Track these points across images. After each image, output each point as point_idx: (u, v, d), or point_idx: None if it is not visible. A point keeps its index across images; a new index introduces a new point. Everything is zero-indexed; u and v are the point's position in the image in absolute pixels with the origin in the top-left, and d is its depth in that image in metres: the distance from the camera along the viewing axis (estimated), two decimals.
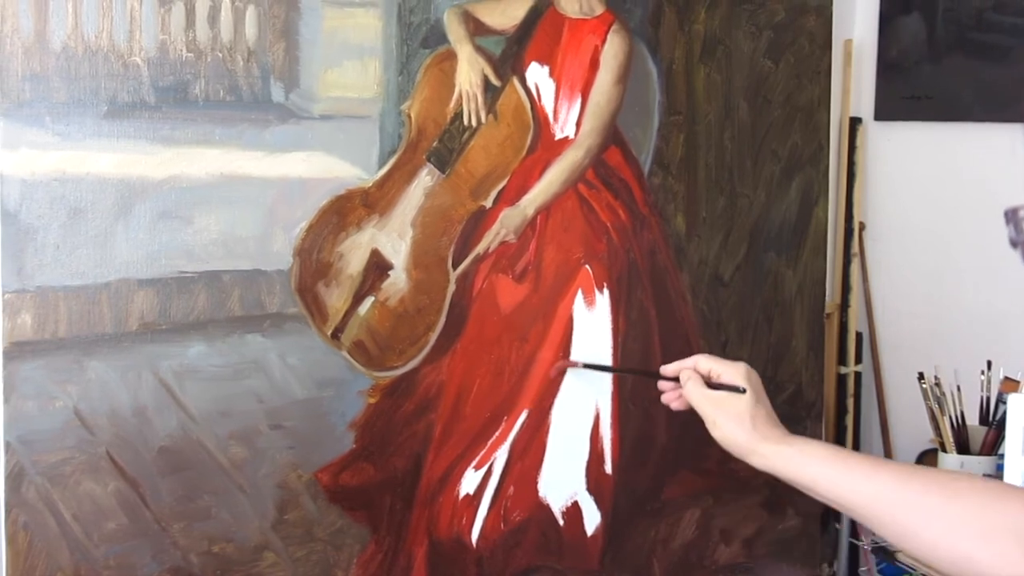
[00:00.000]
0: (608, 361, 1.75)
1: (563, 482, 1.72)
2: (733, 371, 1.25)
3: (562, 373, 1.69)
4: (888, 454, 2.24)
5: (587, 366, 1.64)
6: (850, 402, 2.24)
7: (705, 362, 1.29)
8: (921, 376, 1.86)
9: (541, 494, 1.70)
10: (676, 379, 1.32)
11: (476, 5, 1.60)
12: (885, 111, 2.22)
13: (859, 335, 2.26)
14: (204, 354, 1.43)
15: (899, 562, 1.66)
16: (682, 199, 1.82)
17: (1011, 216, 0.56)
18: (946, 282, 2.14)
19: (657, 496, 1.82)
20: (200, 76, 1.41)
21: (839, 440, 2.22)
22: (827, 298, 2.07)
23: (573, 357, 1.69)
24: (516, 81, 1.63)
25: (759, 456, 1.18)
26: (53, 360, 1.33)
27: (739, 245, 1.89)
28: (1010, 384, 1.76)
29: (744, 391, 1.22)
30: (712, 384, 1.26)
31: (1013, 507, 0.97)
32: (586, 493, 1.74)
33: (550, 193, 1.68)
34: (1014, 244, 0.56)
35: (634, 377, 1.77)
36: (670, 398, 1.35)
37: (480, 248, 1.63)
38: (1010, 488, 1.03)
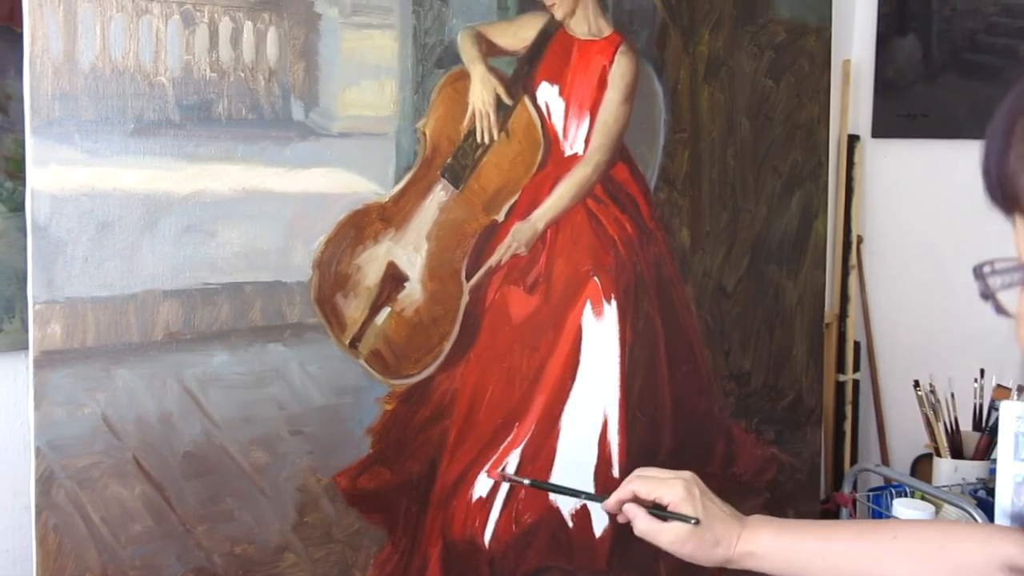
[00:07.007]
0: (616, 369, 1.77)
1: (572, 486, 1.73)
2: (676, 493, 1.14)
3: (498, 484, 1.64)
4: (885, 458, 2.26)
5: (532, 484, 1.43)
6: (848, 409, 2.26)
7: (644, 487, 1.17)
8: (917, 384, 1.89)
9: (551, 497, 1.72)
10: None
11: (489, 27, 1.62)
12: (882, 129, 2.25)
13: (857, 344, 2.28)
14: (227, 363, 1.45)
15: None
16: (687, 213, 1.84)
17: (979, 272, 0.56)
18: (940, 293, 2.16)
19: None
20: (223, 95, 1.43)
21: (838, 444, 2.25)
22: (826, 308, 2.09)
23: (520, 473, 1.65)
24: (527, 100, 1.66)
25: (736, 563, 1.14)
26: (82, 368, 1.36)
27: (742, 258, 1.92)
28: (1002, 391, 1.80)
29: (697, 522, 1.12)
30: (660, 510, 1.16)
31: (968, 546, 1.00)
32: None
33: (560, 208, 1.70)
34: (985, 297, 0.56)
35: (641, 386, 1.79)
36: (622, 519, 1.21)
37: (492, 260, 1.65)
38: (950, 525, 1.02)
